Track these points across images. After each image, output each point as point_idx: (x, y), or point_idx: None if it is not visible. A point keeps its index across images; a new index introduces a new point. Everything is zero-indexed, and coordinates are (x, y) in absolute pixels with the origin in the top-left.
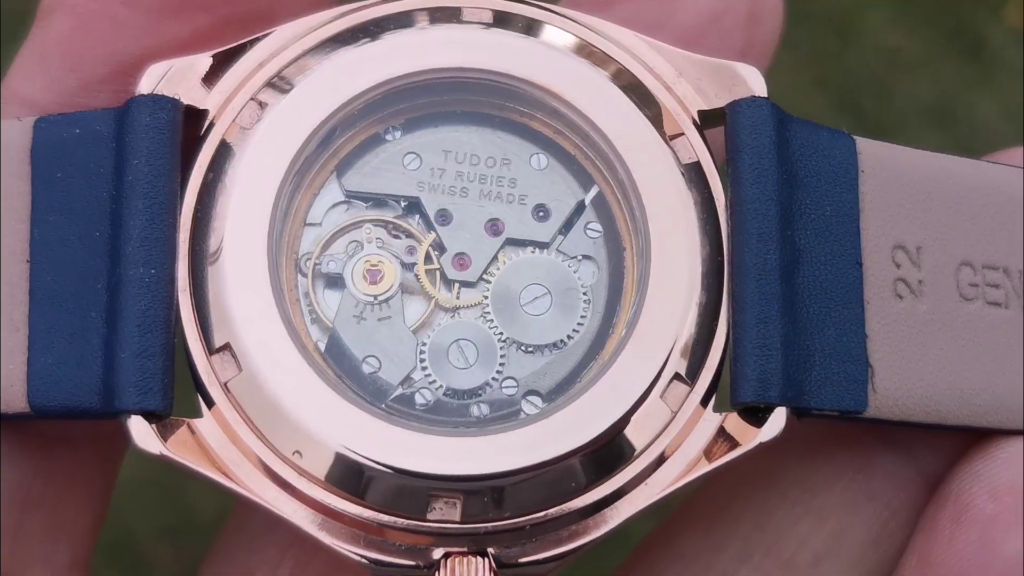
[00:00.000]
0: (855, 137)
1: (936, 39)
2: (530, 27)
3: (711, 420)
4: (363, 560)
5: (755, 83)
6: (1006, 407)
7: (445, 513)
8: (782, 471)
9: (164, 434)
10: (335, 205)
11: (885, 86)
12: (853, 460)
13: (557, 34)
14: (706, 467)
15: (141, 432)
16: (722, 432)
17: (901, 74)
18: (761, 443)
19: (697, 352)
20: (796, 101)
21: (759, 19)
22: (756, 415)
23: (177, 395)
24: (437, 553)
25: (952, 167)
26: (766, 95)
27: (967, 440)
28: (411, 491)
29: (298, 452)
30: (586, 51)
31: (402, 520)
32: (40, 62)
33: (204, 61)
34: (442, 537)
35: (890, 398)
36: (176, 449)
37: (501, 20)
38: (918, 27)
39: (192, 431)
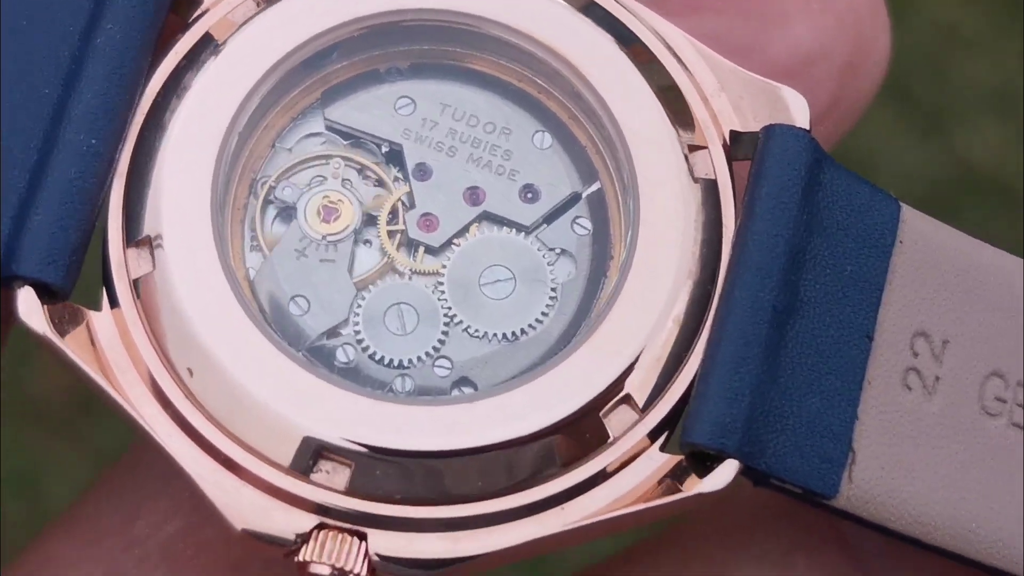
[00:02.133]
0: (901, 203)
1: (998, 14)
2: (582, 5)
3: (656, 459)
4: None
5: (799, 112)
6: (1009, 543)
7: (331, 479)
8: (709, 534)
9: (54, 317)
10: (311, 135)
11: (939, 67)
12: (793, 552)
13: (605, 18)
14: (630, 508)
15: (29, 305)
16: (665, 473)
17: (958, 54)
18: (700, 493)
19: (659, 381)
20: None
21: (857, 72)
22: (706, 463)
23: (80, 290)
24: (310, 522)
25: (1005, 266)
26: (808, 128)
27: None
28: (302, 443)
29: (190, 370)
30: (627, 40)
31: (283, 473)
32: None
33: None
34: (320, 506)
35: (868, 492)
36: (57, 330)
37: None
38: (977, 1)
39: (86, 322)
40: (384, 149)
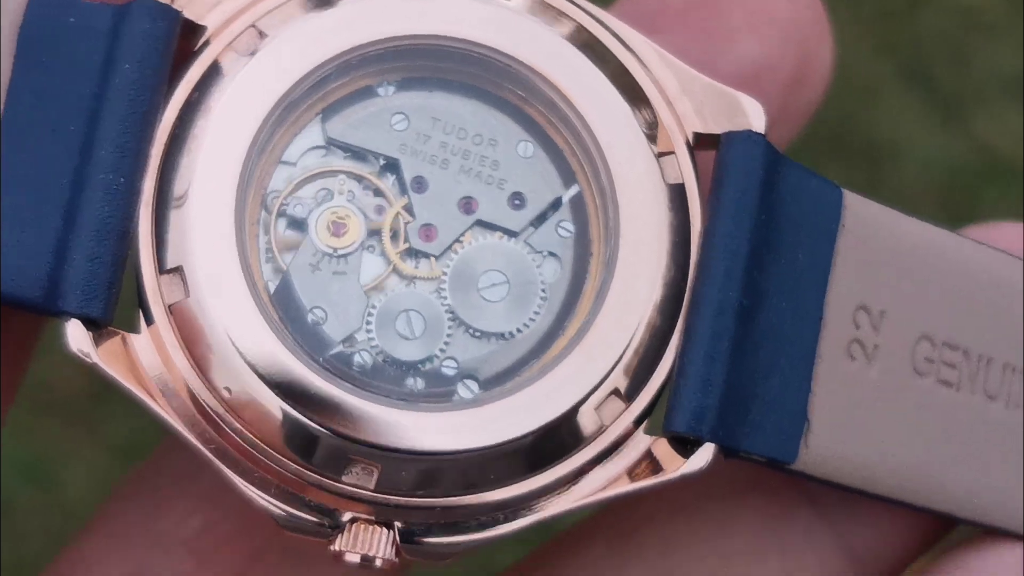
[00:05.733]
0: (844, 190)
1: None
2: (543, 10)
3: (641, 441)
4: (272, 508)
5: (755, 118)
6: (938, 487)
7: (360, 479)
8: (697, 505)
9: (99, 343)
10: (313, 148)
11: (961, 53)
12: (770, 510)
13: (567, 24)
14: (627, 487)
15: (77, 337)
16: (649, 455)
17: (980, 38)
18: (684, 474)
19: (640, 373)
20: (857, 69)
21: (802, 84)
22: (685, 446)
23: (119, 311)
24: (345, 516)
25: (934, 239)
26: (763, 132)
27: (893, 514)
28: (332, 450)
29: (228, 388)
30: (593, 47)
31: (317, 476)
32: None
33: None
34: (353, 502)
35: (820, 456)
36: (107, 360)
37: None
38: None
39: (127, 345)
40: (381, 162)
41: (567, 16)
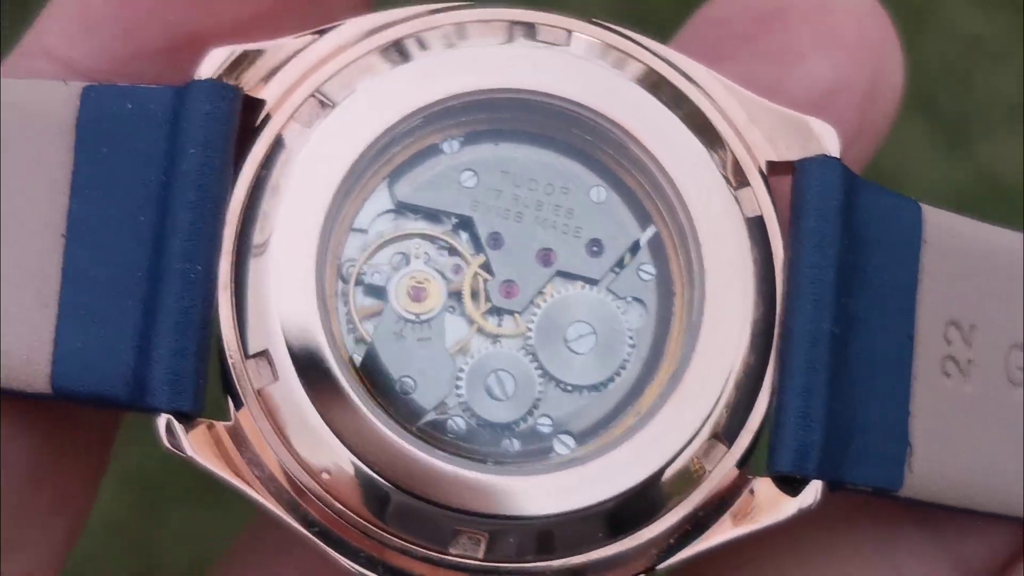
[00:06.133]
0: (922, 205)
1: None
2: (605, 53)
3: (744, 483)
4: None
5: (829, 141)
6: None
7: (468, 549)
8: (805, 535)
9: (188, 431)
10: (383, 213)
11: (965, 79)
12: (879, 532)
13: (632, 64)
14: (737, 530)
15: (170, 432)
16: (753, 496)
17: (984, 65)
18: (793, 515)
19: (738, 413)
20: None
21: (876, 99)
22: (790, 484)
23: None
24: None
25: (1013, 245)
26: (838, 155)
27: (1001, 525)
28: (437, 523)
29: (327, 471)
30: (660, 85)
31: (423, 550)
32: (83, 24)
33: (268, 49)
34: (462, 573)
35: (925, 479)
36: (200, 450)
37: (576, 42)
38: (1001, 11)
39: (216, 432)
40: (454, 220)
41: (630, 56)
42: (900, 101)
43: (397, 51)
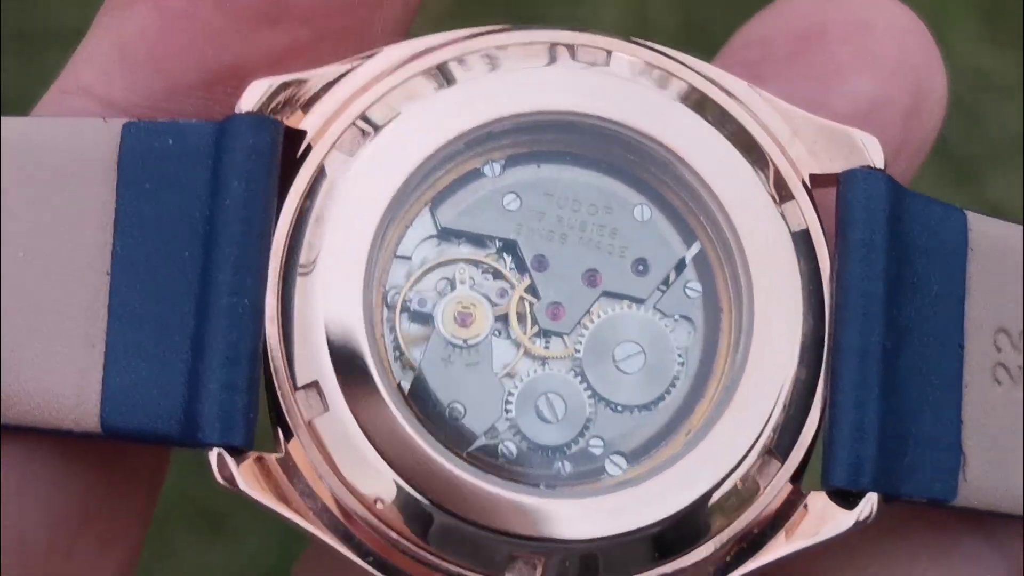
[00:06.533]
0: (967, 212)
1: None
2: (647, 72)
3: (798, 498)
4: None
5: (873, 152)
6: None
7: (524, 574)
8: (861, 546)
9: (239, 463)
10: (426, 239)
11: (973, 115)
12: (936, 541)
13: (673, 82)
14: (790, 547)
15: (223, 467)
16: (807, 511)
17: (993, 100)
18: (850, 529)
19: (790, 428)
20: None
21: (919, 114)
22: (845, 497)
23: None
24: None
25: None
26: (883, 166)
27: None
28: (492, 549)
29: (380, 500)
30: (703, 103)
31: None
32: (120, 60)
33: (308, 80)
34: None
35: (979, 488)
36: (252, 484)
37: (616, 61)
38: (1010, 47)
39: (268, 466)
40: (498, 244)
41: (672, 74)
42: (944, 116)
43: (438, 77)
